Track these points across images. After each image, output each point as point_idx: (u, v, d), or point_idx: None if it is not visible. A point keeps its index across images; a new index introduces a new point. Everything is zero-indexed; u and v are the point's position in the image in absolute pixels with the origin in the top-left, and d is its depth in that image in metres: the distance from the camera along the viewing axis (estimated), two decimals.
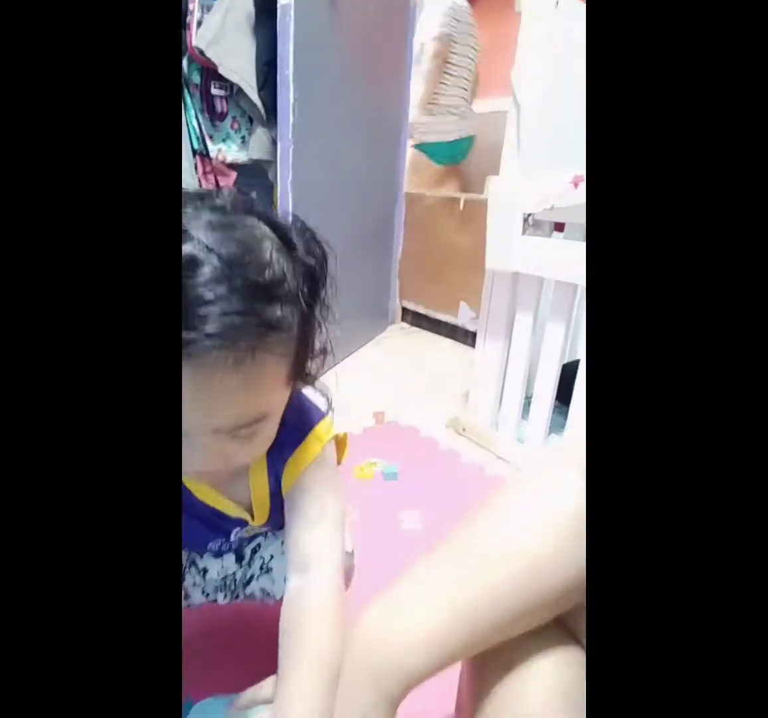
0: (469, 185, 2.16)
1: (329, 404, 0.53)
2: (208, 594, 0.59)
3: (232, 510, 0.50)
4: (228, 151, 1.42)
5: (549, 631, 0.38)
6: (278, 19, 1.15)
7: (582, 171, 0.93)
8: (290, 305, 0.36)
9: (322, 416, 0.52)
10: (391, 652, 0.34)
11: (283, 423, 0.44)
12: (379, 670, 0.34)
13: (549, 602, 0.35)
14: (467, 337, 1.83)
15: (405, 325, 2.10)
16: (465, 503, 0.98)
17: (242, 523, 0.51)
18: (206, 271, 0.31)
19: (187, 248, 0.31)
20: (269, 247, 0.36)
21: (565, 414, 1.05)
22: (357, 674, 0.35)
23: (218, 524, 0.51)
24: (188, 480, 0.47)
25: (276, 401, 0.40)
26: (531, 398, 1.11)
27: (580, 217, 0.95)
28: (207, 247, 0.32)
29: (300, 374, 0.42)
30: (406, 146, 1.93)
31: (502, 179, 1.04)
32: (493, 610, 0.35)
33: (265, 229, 0.37)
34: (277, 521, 0.51)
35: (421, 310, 2.01)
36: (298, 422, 0.49)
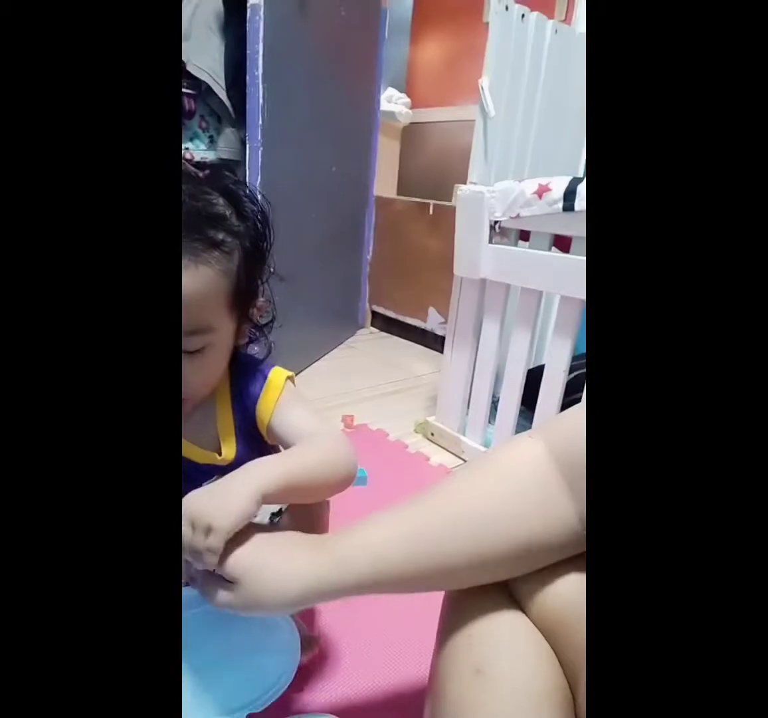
0: (439, 191, 2.18)
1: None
2: None
3: (199, 456, 0.55)
4: (195, 150, 1.40)
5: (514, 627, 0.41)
6: (248, 18, 1.14)
7: (546, 181, 0.95)
8: (231, 236, 0.47)
9: (273, 365, 0.59)
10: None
11: (241, 364, 0.55)
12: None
13: (490, 560, 0.40)
14: (436, 341, 1.85)
15: (374, 329, 2.10)
16: None
17: (211, 472, 0.54)
18: None
19: None
20: (220, 200, 0.48)
21: (531, 419, 1.07)
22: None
23: (189, 476, 0.50)
24: None
25: (220, 321, 0.48)
26: (497, 402, 1.12)
27: (545, 227, 0.97)
28: None
29: (243, 310, 0.51)
30: (376, 149, 1.94)
31: (470, 187, 1.05)
32: (431, 545, 0.40)
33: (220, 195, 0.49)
34: (242, 457, 0.54)
35: (391, 314, 2.02)
36: (254, 365, 0.57)
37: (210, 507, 0.40)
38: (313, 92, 1.41)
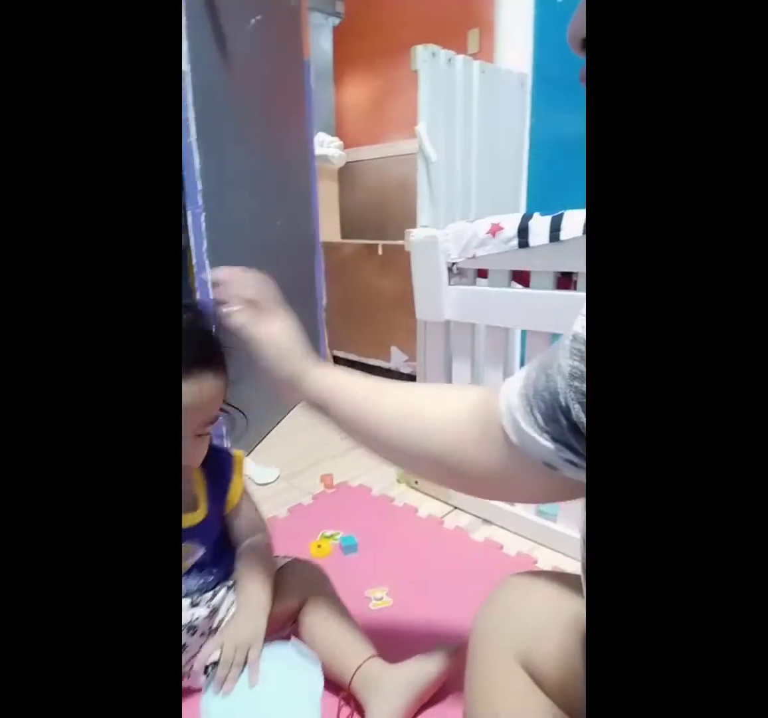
0: (383, 228, 2.19)
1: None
2: None
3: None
4: None
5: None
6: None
7: (498, 219, 0.95)
8: (219, 353, 0.61)
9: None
10: None
11: (212, 448, 0.67)
12: None
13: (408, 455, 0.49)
14: (402, 380, 1.82)
15: None
16: (431, 566, 0.94)
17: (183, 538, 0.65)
18: None
19: None
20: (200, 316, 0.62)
21: None
22: None
23: None
24: None
25: (217, 413, 0.62)
26: None
27: (502, 264, 0.97)
28: None
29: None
30: (316, 196, 1.94)
31: (422, 231, 1.04)
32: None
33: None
34: (211, 517, 0.68)
35: (353, 357, 1.99)
36: (222, 450, 0.72)
37: (249, 635, 0.63)
38: (247, 151, 1.39)
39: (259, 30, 1.40)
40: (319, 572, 0.75)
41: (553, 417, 0.36)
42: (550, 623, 0.46)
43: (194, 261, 1.20)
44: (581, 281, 0.89)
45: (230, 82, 1.28)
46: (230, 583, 0.71)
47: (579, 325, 0.35)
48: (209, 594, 0.68)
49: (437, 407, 0.48)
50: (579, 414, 0.34)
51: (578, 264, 0.87)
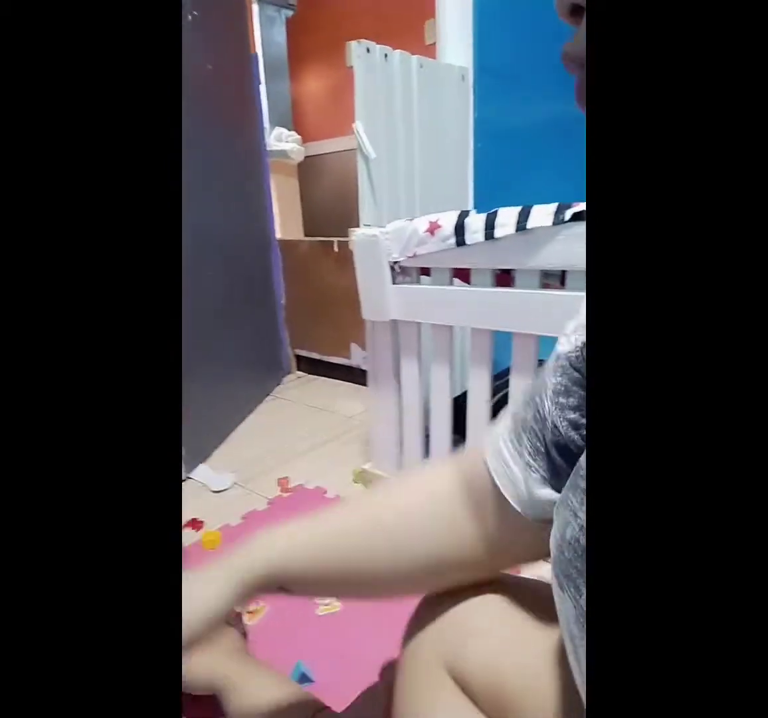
0: (345, 224, 2.17)
1: None
2: None
3: None
4: None
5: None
6: None
7: (436, 217, 0.94)
8: None
9: None
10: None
11: None
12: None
13: (400, 572, 0.43)
14: (363, 377, 1.81)
15: (301, 373, 2.05)
16: None
17: None
18: None
19: None
20: None
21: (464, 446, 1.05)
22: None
23: None
24: None
25: None
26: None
27: (442, 262, 0.96)
28: None
29: None
30: (270, 192, 1.91)
31: (363, 231, 1.03)
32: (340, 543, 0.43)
33: None
34: None
35: (315, 355, 1.97)
36: None
37: None
38: (190, 150, 1.36)
39: (198, 26, 1.37)
40: (238, 639, 0.71)
41: (542, 451, 0.37)
42: (477, 628, 0.46)
43: None
44: (520, 278, 0.89)
45: None
46: None
47: (560, 344, 0.36)
48: None
49: (415, 501, 0.43)
50: (567, 432, 0.35)
51: (514, 261, 0.86)
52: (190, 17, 1.33)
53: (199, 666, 0.61)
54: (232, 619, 0.73)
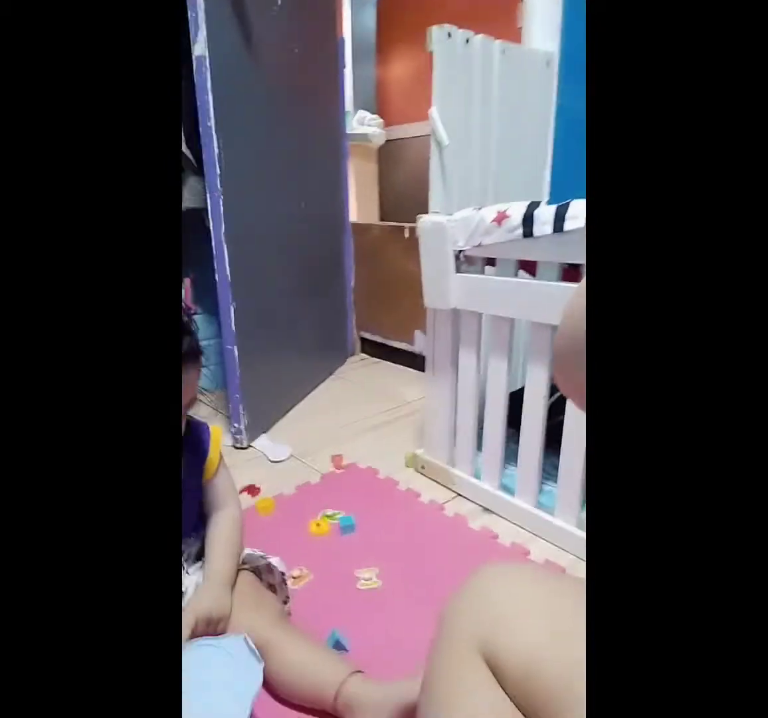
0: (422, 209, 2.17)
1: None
2: None
3: None
4: None
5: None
6: (195, 71, 1.14)
7: (504, 207, 0.93)
8: (197, 347, 0.66)
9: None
10: None
11: (191, 427, 0.75)
12: None
13: None
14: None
15: (365, 356, 2.09)
16: (424, 552, 0.96)
17: None
18: None
19: None
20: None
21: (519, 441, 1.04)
22: None
23: None
24: None
25: (193, 398, 0.69)
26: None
27: (508, 253, 0.95)
28: None
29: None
30: (347, 175, 1.94)
31: (430, 218, 1.04)
32: None
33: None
34: (185, 490, 0.73)
35: (380, 339, 2.00)
36: (201, 426, 0.78)
37: (216, 608, 0.66)
38: (272, 132, 1.40)
39: (287, 11, 1.40)
40: (279, 605, 0.75)
41: None
42: (514, 614, 0.45)
43: (213, 244, 1.24)
44: None
45: (254, 65, 1.29)
46: (195, 559, 0.75)
47: None
48: None
49: None
50: None
51: (582, 256, 0.84)
52: (275, 7, 1.36)
53: (241, 629, 0.65)
54: (277, 583, 0.77)
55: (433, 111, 1.03)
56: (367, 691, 0.61)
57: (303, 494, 1.15)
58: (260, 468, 1.26)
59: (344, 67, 1.86)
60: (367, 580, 0.89)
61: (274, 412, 1.51)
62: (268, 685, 0.64)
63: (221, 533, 0.74)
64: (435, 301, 1.07)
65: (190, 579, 0.72)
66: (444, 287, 1.04)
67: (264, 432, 1.43)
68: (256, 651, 0.60)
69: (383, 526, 1.04)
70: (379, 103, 2.67)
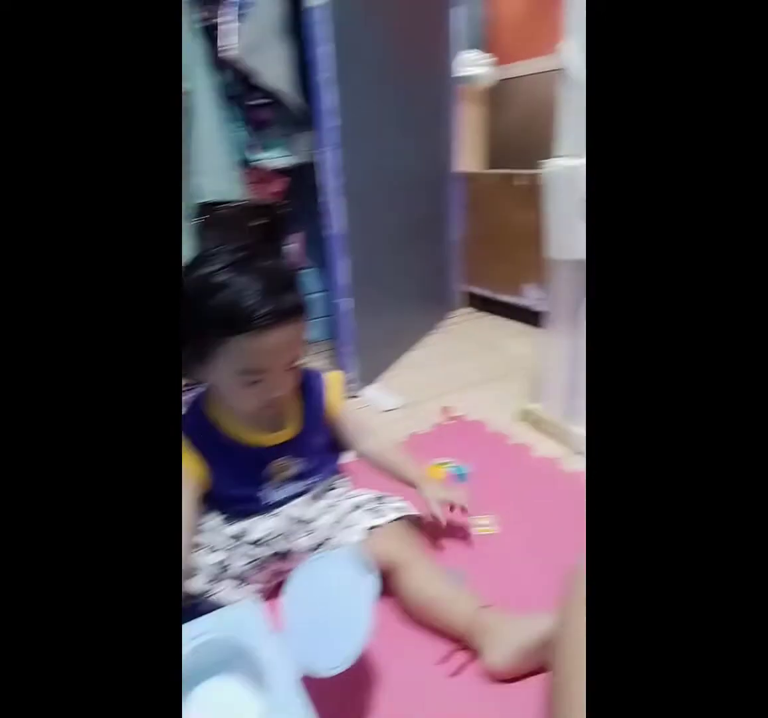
0: (535, 155, 2.05)
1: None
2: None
3: (270, 439, 0.72)
4: (275, 158, 1.43)
5: None
6: (311, 21, 1.12)
7: None
8: (303, 296, 0.65)
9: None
10: None
11: (306, 375, 0.76)
12: None
13: None
14: (534, 318, 1.77)
15: (472, 309, 2.06)
16: (539, 501, 0.96)
17: (276, 453, 0.73)
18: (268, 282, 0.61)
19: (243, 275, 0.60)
20: (289, 264, 0.69)
21: None
22: None
23: (257, 461, 0.73)
24: (239, 430, 0.71)
25: (303, 348, 0.68)
26: None
27: None
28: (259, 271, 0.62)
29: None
30: (455, 122, 1.86)
31: (557, 162, 0.98)
32: None
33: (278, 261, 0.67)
34: (304, 435, 0.75)
35: (488, 293, 1.96)
36: (315, 373, 0.80)
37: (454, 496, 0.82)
38: (383, 80, 1.37)
39: None
40: (408, 535, 0.77)
41: None
42: None
43: (326, 198, 1.25)
44: None
45: (369, 15, 1.26)
46: (321, 489, 0.79)
47: None
48: (287, 506, 0.75)
49: None
50: None
51: None
52: None
53: (376, 548, 0.69)
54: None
55: (564, 45, 0.95)
56: (497, 621, 0.65)
57: (414, 443, 1.18)
58: (372, 416, 1.30)
59: (450, 8, 1.75)
60: (483, 526, 0.91)
61: (382, 362, 1.55)
62: (390, 602, 0.69)
63: (391, 448, 0.86)
64: (559, 252, 1.03)
65: (276, 522, 0.75)
66: (571, 237, 0.99)
67: (373, 382, 1.47)
68: (369, 562, 0.61)
69: (495, 477, 1.04)
70: (488, 41, 2.51)
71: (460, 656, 0.67)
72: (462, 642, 0.67)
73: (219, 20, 1.25)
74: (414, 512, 0.79)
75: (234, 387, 0.64)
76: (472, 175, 1.89)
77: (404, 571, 0.71)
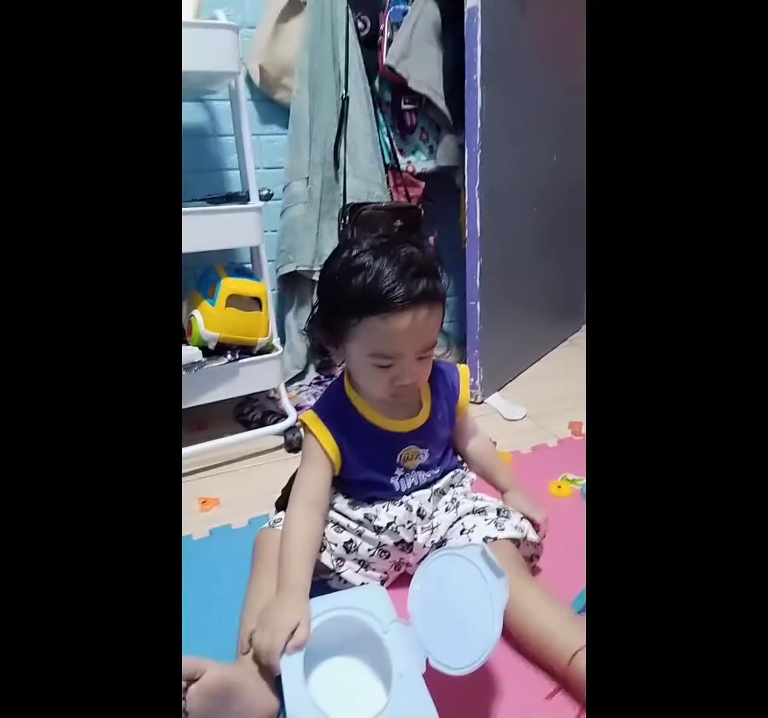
0: None
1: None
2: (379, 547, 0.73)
3: (401, 426, 0.73)
4: (417, 162, 1.45)
5: None
6: (465, 23, 1.14)
7: None
8: (442, 283, 0.65)
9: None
10: None
11: (438, 366, 0.76)
12: None
13: None
14: None
15: None
16: None
17: (405, 440, 0.73)
18: (407, 268, 0.61)
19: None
20: (432, 256, 0.67)
21: None
22: None
23: (388, 445, 0.73)
24: (373, 414, 0.72)
25: (436, 338, 0.67)
26: None
27: None
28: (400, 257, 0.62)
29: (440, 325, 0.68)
30: None
31: None
32: None
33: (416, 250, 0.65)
34: (433, 424, 0.75)
35: None
36: (447, 365, 0.80)
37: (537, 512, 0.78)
38: (530, 87, 1.35)
39: None
40: (519, 556, 0.73)
41: None
42: None
43: (466, 198, 1.25)
44: None
45: (522, 20, 1.25)
46: (445, 483, 0.78)
47: None
48: (412, 496, 0.74)
49: None
50: None
51: None
52: None
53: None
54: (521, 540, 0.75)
55: None
56: None
57: (540, 456, 1.13)
58: (494, 425, 1.27)
59: None
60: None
61: (508, 371, 1.51)
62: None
63: (493, 451, 0.87)
64: None
65: (397, 510, 0.73)
66: None
67: (498, 390, 1.44)
68: (497, 563, 0.58)
69: None
70: None
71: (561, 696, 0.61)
72: (565, 678, 0.61)
73: (378, 30, 1.32)
74: (534, 535, 0.74)
75: (366, 370, 0.66)
76: None
77: (515, 600, 0.61)
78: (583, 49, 1.37)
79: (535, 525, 0.76)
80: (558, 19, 1.40)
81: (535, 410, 1.32)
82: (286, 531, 0.68)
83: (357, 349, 0.65)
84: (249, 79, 1.34)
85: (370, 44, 1.34)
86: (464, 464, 0.85)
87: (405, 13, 1.31)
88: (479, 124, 1.18)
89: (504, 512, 0.75)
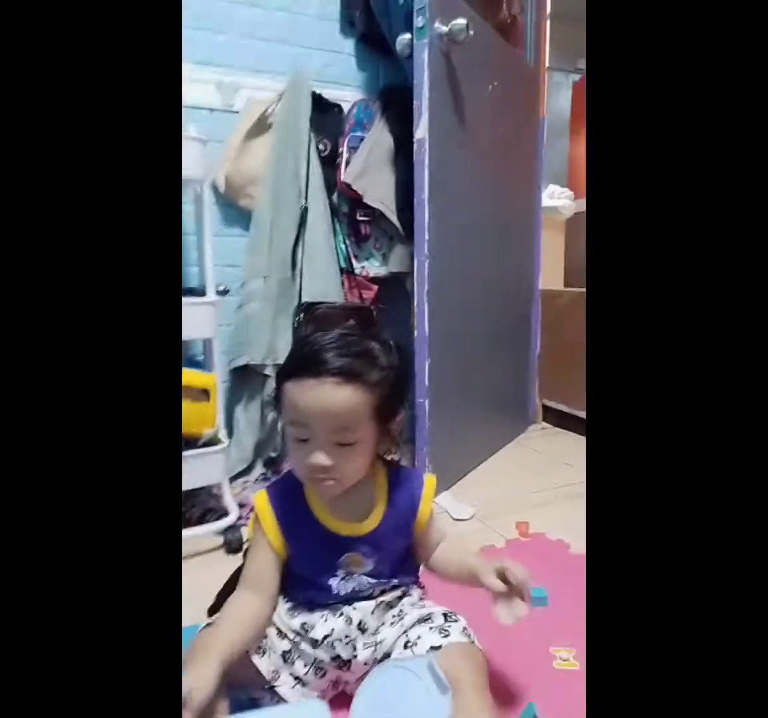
0: None
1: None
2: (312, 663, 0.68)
3: (346, 529, 0.69)
4: (370, 267, 1.55)
5: None
6: (415, 151, 1.28)
7: None
8: (377, 371, 0.63)
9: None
10: None
11: (399, 467, 0.74)
12: None
13: None
14: None
15: (547, 424, 2.01)
16: None
17: (349, 545, 0.68)
18: (335, 343, 0.62)
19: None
20: (377, 346, 0.65)
21: None
22: None
23: (331, 546, 0.68)
24: (323, 511, 0.69)
25: (364, 426, 0.63)
26: None
27: None
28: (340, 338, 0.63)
29: (382, 423, 0.65)
30: (540, 246, 1.96)
31: None
32: None
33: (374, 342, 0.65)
34: (382, 532, 0.69)
35: (564, 408, 1.92)
36: (408, 469, 0.76)
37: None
38: (476, 204, 1.50)
39: (497, 94, 1.52)
40: (475, 658, 0.67)
41: None
42: None
43: (415, 302, 1.32)
44: None
45: (465, 145, 1.41)
46: (393, 596, 0.72)
47: None
48: (352, 607, 0.69)
49: None
50: None
51: None
52: (490, 87, 1.49)
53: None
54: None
55: None
56: None
57: (487, 557, 1.10)
58: (442, 525, 1.25)
59: (543, 144, 1.94)
60: (564, 660, 0.82)
61: (457, 470, 1.51)
62: None
63: (463, 551, 0.79)
64: None
65: (335, 622, 0.69)
66: None
67: (447, 489, 1.43)
68: (444, 679, 0.56)
69: (578, 603, 0.95)
70: (569, 178, 2.72)
71: None
72: None
73: (337, 153, 1.45)
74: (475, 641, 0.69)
75: (290, 443, 0.64)
76: (552, 292, 1.95)
77: (457, 697, 0.59)
78: (513, 170, 1.53)
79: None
80: (497, 140, 1.58)
81: (483, 510, 1.31)
82: (221, 612, 0.65)
83: (284, 418, 0.65)
84: (215, 187, 1.44)
85: (330, 163, 1.47)
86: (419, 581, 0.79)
87: (362, 139, 1.47)
88: (427, 237, 1.28)
89: (451, 616, 0.70)
